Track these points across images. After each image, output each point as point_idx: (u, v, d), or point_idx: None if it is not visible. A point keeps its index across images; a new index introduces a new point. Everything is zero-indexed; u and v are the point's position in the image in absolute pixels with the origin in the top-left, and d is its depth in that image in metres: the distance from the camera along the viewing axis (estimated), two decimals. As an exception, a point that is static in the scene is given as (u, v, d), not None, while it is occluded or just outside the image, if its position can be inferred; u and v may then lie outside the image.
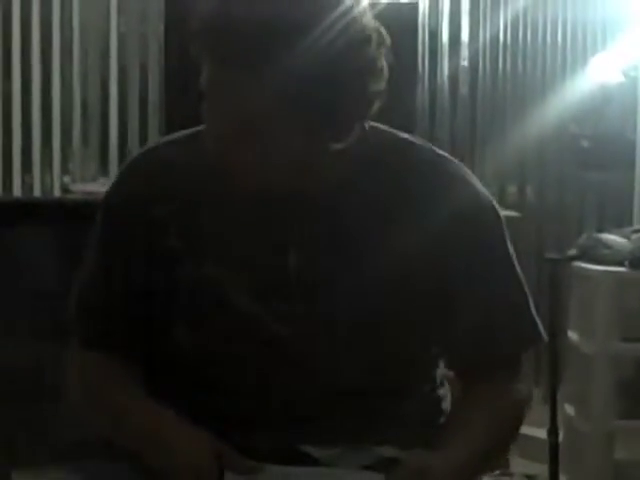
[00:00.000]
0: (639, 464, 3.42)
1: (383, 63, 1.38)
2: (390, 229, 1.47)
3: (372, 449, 1.48)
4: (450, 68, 4.30)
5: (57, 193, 3.99)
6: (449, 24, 4.31)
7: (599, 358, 3.31)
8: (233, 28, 1.31)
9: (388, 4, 3.54)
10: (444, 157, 1.54)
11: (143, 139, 4.07)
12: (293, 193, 1.44)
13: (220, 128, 1.39)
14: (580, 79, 4.31)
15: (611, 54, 4.28)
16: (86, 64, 4.03)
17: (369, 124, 1.49)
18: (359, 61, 1.35)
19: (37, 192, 3.98)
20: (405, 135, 1.54)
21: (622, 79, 4.22)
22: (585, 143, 4.21)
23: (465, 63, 4.33)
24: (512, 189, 4.39)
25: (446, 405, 1.60)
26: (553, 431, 3.26)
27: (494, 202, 1.54)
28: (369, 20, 1.37)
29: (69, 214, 2.14)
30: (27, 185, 3.97)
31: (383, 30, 1.38)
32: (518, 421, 1.54)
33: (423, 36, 4.23)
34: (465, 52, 4.33)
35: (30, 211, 2.17)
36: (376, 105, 1.40)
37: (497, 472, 3.58)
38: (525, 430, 1.58)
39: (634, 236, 3.40)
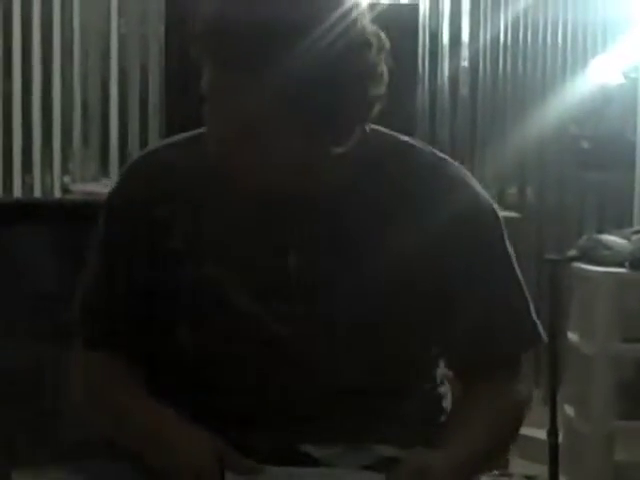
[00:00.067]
0: (639, 465, 3.42)
1: (383, 67, 1.38)
2: (390, 231, 1.47)
3: (372, 449, 1.48)
4: (450, 69, 4.31)
5: (57, 193, 3.99)
6: (449, 25, 4.31)
7: (599, 359, 3.32)
8: (235, 31, 1.32)
9: (388, 5, 3.55)
10: (444, 160, 1.54)
11: (143, 140, 4.07)
12: (294, 195, 1.44)
13: (221, 131, 1.39)
14: (580, 80, 4.32)
15: (611, 55, 4.28)
16: (86, 65, 4.03)
17: (370, 127, 1.49)
18: (359, 65, 1.35)
19: (37, 192, 3.98)
20: (406, 138, 1.55)
21: (622, 80, 4.22)
22: (585, 144, 4.22)
23: (465, 64, 4.33)
24: (512, 190, 4.39)
25: (446, 404, 1.60)
26: (553, 432, 3.26)
27: (493, 204, 1.55)
28: (369, 24, 1.38)
29: (69, 214, 2.14)
30: (27, 185, 3.97)
31: (383, 34, 1.39)
32: (518, 422, 1.55)
33: (423, 37, 4.23)
34: (465, 53, 4.33)
35: (30, 211, 2.17)
36: (376, 109, 1.41)
37: (496, 472, 3.58)
38: (525, 431, 1.58)
39: (634, 237, 3.40)
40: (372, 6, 1.43)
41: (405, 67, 3.64)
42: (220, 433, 1.42)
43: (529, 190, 4.42)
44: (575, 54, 4.38)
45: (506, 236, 1.54)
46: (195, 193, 1.50)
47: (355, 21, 1.35)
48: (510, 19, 4.31)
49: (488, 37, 4.32)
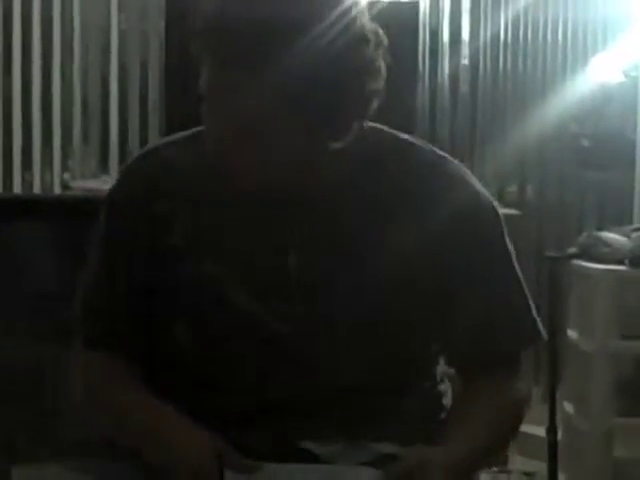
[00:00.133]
0: (638, 462, 3.42)
1: (381, 63, 1.38)
2: (390, 229, 1.47)
3: (372, 446, 1.48)
4: (450, 67, 4.31)
5: (57, 190, 3.99)
6: (450, 23, 4.31)
7: (598, 356, 3.32)
8: (235, 29, 1.32)
9: (389, 3, 3.54)
10: (444, 158, 1.54)
11: (143, 136, 4.07)
12: (293, 194, 1.44)
13: (220, 129, 1.39)
14: (580, 78, 4.32)
15: (611, 54, 4.29)
16: (86, 61, 4.03)
17: (368, 124, 1.49)
18: (357, 61, 1.35)
19: (37, 189, 3.98)
20: (405, 136, 1.55)
21: (622, 79, 4.22)
22: (585, 142, 4.22)
23: (466, 62, 4.33)
24: (512, 188, 4.39)
25: (446, 401, 1.61)
26: (552, 429, 3.26)
27: (493, 202, 1.55)
28: (367, 21, 1.38)
29: (69, 211, 2.14)
30: (27, 182, 3.97)
31: (381, 31, 1.39)
32: (518, 419, 1.55)
33: (424, 35, 4.23)
34: (466, 51, 4.33)
35: (30, 208, 2.17)
36: (374, 104, 1.40)
37: (495, 469, 3.58)
38: (524, 428, 1.58)
39: (634, 235, 3.40)
40: (372, 4, 1.43)
41: (405, 65, 3.64)
42: (220, 431, 1.42)
43: (529, 188, 4.43)
44: (575, 52, 4.38)
45: (506, 233, 1.54)
46: (195, 191, 1.50)
47: (353, 17, 1.36)
48: (510, 17, 4.31)
49: (488, 35, 4.32)
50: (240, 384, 1.49)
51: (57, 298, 1.60)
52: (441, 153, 1.55)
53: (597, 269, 3.32)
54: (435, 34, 4.29)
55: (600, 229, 3.75)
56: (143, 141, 4.03)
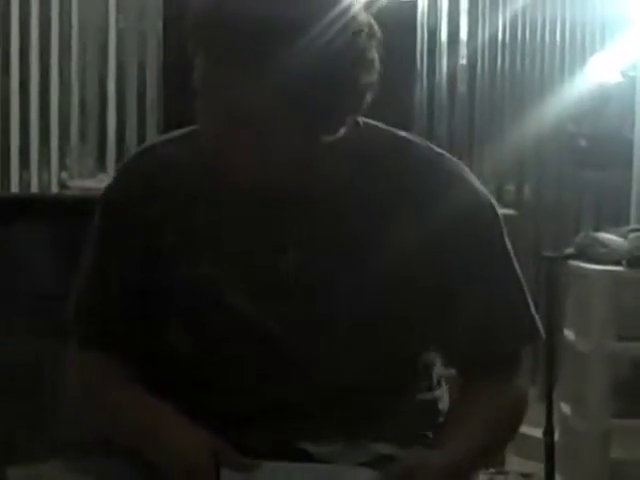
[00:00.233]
0: (635, 463, 3.42)
1: (375, 55, 1.37)
2: (388, 228, 1.47)
3: (369, 446, 1.48)
4: (449, 67, 4.31)
5: (55, 189, 3.98)
6: (448, 23, 4.31)
7: (595, 357, 3.32)
8: (228, 25, 1.31)
9: (387, 2, 3.54)
10: (442, 155, 1.54)
11: (141, 136, 4.06)
12: (290, 192, 1.44)
13: (214, 126, 1.39)
14: (578, 78, 4.32)
15: (609, 54, 4.28)
16: (84, 61, 4.03)
17: (364, 121, 1.49)
18: (349, 53, 1.34)
19: (35, 189, 3.97)
20: (403, 133, 1.54)
21: (620, 79, 4.22)
22: (583, 142, 4.21)
23: (464, 62, 4.33)
24: (510, 187, 4.39)
25: (443, 405, 1.60)
26: (549, 430, 3.26)
27: (492, 200, 1.54)
28: (361, 13, 1.37)
29: (67, 210, 2.14)
30: (25, 182, 3.97)
31: (375, 23, 1.38)
32: (517, 418, 1.54)
33: (422, 34, 4.23)
34: (464, 51, 4.33)
35: (27, 207, 2.17)
36: (368, 98, 1.39)
37: (492, 470, 3.58)
38: (521, 429, 1.58)
39: (631, 235, 3.40)
40: (370, 3, 1.43)
41: (403, 64, 3.65)
42: (217, 431, 1.42)
43: (527, 188, 4.43)
44: (573, 52, 4.38)
45: (505, 232, 1.54)
46: (191, 190, 1.49)
47: (346, 10, 1.35)
48: (508, 17, 4.31)
49: (486, 35, 4.32)
50: (238, 385, 1.49)
51: (55, 297, 1.59)
52: (439, 150, 1.54)
53: (594, 270, 3.32)
54: (433, 34, 4.29)
55: (597, 229, 3.75)
56: (141, 140, 4.02)
